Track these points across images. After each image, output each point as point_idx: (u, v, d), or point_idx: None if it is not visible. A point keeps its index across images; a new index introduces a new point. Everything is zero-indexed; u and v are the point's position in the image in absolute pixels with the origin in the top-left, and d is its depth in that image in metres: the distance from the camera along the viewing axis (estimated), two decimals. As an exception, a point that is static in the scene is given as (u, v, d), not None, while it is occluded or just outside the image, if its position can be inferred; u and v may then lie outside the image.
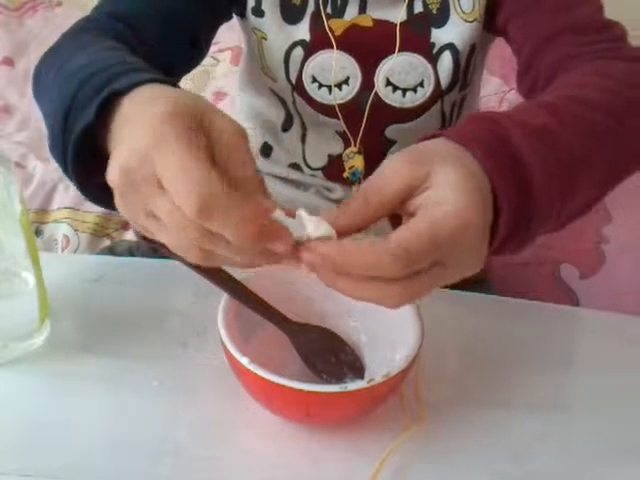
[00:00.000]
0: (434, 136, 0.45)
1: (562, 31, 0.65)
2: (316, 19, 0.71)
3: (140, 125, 0.39)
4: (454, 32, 0.70)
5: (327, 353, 0.53)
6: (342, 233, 0.40)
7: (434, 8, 0.70)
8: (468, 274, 0.42)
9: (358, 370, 0.53)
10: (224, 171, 0.38)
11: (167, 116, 0.38)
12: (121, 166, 0.38)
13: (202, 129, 0.39)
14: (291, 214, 0.41)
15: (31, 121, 1.42)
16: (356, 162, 0.77)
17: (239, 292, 0.51)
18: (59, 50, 0.57)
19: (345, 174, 0.78)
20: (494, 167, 0.42)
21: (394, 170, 0.41)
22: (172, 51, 0.66)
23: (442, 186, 0.40)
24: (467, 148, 0.43)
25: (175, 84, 0.44)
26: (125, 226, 1.14)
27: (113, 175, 0.39)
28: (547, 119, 0.48)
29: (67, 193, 1.18)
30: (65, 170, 0.46)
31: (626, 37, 0.65)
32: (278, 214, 0.40)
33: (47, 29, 1.71)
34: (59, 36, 0.60)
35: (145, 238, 0.42)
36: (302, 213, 0.41)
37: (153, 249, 0.46)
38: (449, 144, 0.43)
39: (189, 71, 0.71)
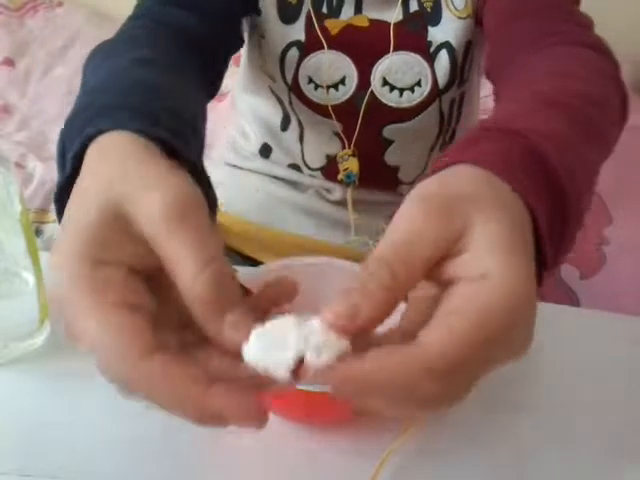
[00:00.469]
0: (448, 164, 0.36)
1: (529, 11, 0.63)
2: (312, 19, 0.71)
3: (62, 232, 0.35)
4: (449, 30, 0.70)
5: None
6: (367, 327, 0.32)
7: (428, 6, 0.70)
8: (513, 360, 0.32)
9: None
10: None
11: (72, 240, 0.34)
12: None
13: (123, 230, 0.33)
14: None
15: (31, 121, 1.43)
16: (350, 164, 0.77)
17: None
18: (98, 53, 0.53)
19: (339, 176, 0.78)
20: (531, 196, 0.35)
21: (421, 231, 0.32)
22: (225, 31, 0.66)
23: (484, 248, 0.31)
24: (498, 174, 0.35)
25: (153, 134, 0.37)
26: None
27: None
28: (563, 125, 0.42)
29: (67, 193, 1.17)
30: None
31: (593, 27, 0.62)
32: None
33: (48, 29, 1.71)
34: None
35: None
36: (291, 324, 0.31)
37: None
38: (473, 171, 0.35)
39: (232, 55, 0.69)
